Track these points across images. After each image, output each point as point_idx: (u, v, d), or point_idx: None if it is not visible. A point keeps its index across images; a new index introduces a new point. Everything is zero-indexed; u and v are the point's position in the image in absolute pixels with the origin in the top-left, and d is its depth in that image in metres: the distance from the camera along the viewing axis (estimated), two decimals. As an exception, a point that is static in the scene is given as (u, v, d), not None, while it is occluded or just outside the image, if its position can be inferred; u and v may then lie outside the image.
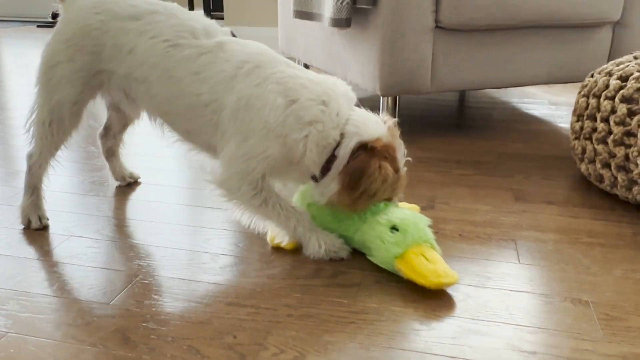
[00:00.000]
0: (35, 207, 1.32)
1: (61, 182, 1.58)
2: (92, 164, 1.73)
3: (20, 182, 1.56)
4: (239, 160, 1.13)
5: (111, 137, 1.52)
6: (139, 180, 1.60)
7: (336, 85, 1.16)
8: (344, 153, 1.12)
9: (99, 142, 1.53)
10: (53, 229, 1.30)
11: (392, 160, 1.14)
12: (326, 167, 1.14)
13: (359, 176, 1.10)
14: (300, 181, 1.25)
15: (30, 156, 1.31)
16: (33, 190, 1.32)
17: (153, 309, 1.00)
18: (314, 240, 1.16)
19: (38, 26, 5.57)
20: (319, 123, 1.11)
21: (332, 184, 1.14)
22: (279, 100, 1.11)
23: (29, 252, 1.19)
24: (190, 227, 1.32)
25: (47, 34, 5.06)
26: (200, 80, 1.15)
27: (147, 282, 1.08)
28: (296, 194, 1.28)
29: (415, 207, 1.32)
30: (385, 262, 1.09)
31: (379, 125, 1.15)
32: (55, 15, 5.93)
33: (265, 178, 1.15)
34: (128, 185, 1.56)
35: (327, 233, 1.18)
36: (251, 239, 1.25)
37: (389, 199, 1.19)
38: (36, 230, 1.29)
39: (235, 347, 0.90)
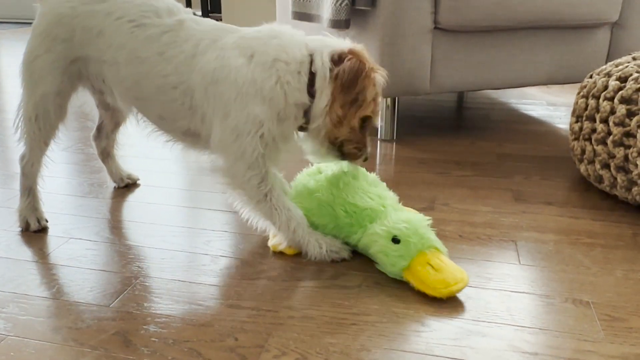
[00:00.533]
0: (32, 209, 1.31)
1: (60, 184, 1.58)
2: (90, 165, 1.72)
3: (18, 185, 1.56)
4: (229, 141, 1.10)
5: (104, 138, 1.51)
6: (138, 182, 1.59)
7: (278, 25, 1.15)
8: (321, 64, 1.09)
9: (93, 144, 1.53)
10: (52, 232, 1.29)
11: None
12: (311, 88, 1.10)
13: (355, 75, 1.08)
14: (295, 130, 1.17)
15: (22, 157, 1.32)
16: (29, 192, 1.32)
17: (153, 312, 0.99)
18: (314, 242, 1.15)
19: (35, 28, 5.54)
20: (281, 54, 1.09)
21: (322, 97, 1.10)
22: (240, 60, 1.09)
23: (28, 254, 1.19)
24: (190, 229, 1.32)
25: (45, 36, 5.04)
26: (165, 60, 1.14)
27: (147, 284, 1.08)
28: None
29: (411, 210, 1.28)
30: (395, 274, 1.08)
31: (343, 41, 1.14)
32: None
33: (264, 158, 1.11)
34: (126, 187, 1.56)
35: (325, 236, 1.17)
36: (251, 241, 1.25)
37: (369, 119, 1.15)
38: (35, 232, 1.29)
39: (237, 349, 0.89)
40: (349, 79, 1.07)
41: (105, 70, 1.21)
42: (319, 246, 1.14)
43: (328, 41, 1.13)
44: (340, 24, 1.87)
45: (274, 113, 1.09)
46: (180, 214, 1.40)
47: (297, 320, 0.97)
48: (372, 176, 1.24)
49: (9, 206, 1.42)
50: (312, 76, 1.10)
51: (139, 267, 1.14)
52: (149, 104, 1.20)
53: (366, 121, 1.15)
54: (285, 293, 1.05)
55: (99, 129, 1.50)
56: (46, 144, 1.31)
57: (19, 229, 1.30)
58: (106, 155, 1.53)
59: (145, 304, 1.01)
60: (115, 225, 1.33)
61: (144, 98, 1.19)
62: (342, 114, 1.10)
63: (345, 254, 1.16)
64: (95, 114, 1.48)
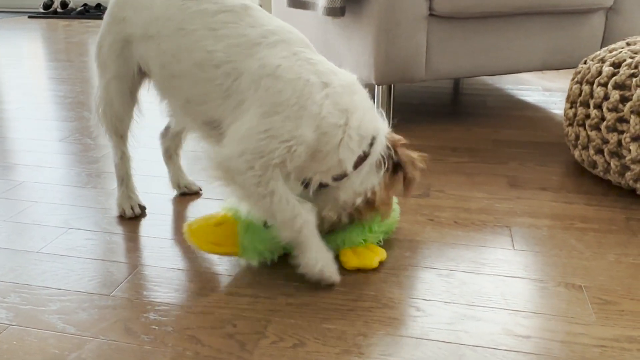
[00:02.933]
0: (127, 197, 1.33)
1: (58, 174, 1.58)
2: (88, 156, 1.73)
3: (16, 175, 1.57)
4: (257, 136, 0.98)
5: (170, 138, 1.43)
6: (200, 192, 1.46)
7: (358, 82, 1.09)
8: (379, 150, 1.05)
9: (159, 141, 1.45)
10: (51, 222, 1.30)
11: None
12: (358, 162, 1.05)
13: (411, 172, 1.10)
14: (314, 181, 1.06)
15: (112, 155, 1.33)
16: (121, 181, 1.34)
17: (153, 300, 1.01)
18: (313, 253, 1.03)
19: (29, 17, 5.52)
20: (356, 112, 1.02)
21: (369, 179, 1.06)
22: (313, 78, 0.99)
23: (29, 245, 1.20)
24: (189, 218, 1.33)
25: (39, 25, 5.03)
26: (216, 36, 1.05)
27: (146, 273, 1.09)
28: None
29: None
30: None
31: (386, 124, 1.12)
32: (47, 6, 5.82)
33: (279, 169, 0.99)
34: (183, 194, 1.45)
35: (327, 250, 1.06)
36: (249, 229, 1.26)
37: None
38: (130, 220, 1.31)
39: (236, 336, 0.91)
40: (414, 185, 1.11)
41: (148, 47, 1.14)
42: (315, 260, 1.03)
43: (385, 124, 1.10)
44: (335, 12, 1.86)
45: (315, 147, 1.01)
46: (180, 203, 1.41)
47: (294, 307, 0.99)
48: None
49: (8, 197, 1.43)
50: (364, 153, 1.05)
51: (138, 256, 1.16)
52: (182, 82, 1.11)
53: None
54: (283, 280, 1.07)
55: (167, 127, 1.43)
56: (118, 134, 1.29)
57: (19, 219, 1.31)
58: (169, 156, 1.44)
59: (145, 293, 1.03)
60: (114, 215, 1.34)
61: (179, 75, 1.11)
62: (388, 201, 1.12)
63: (335, 279, 1.05)
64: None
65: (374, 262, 1.11)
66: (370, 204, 1.09)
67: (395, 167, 1.10)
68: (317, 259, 1.03)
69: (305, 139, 0.98)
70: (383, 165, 1.07)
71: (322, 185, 1.08)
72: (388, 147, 1.07)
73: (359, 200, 1.08)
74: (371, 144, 1.06)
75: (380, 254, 1.13)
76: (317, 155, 1.02)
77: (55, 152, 1.76)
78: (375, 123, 1.07)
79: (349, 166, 1.03)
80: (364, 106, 1.05)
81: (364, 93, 1.08)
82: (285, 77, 0.99)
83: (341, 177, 1.06)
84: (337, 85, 1.02)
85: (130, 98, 1.26)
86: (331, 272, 1.04)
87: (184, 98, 1.13)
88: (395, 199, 1.20)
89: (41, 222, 1.30)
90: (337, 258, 1.09)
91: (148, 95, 1.28)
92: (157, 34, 1.12)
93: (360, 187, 1.07)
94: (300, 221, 1.01)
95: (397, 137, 1.11)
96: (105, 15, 1.23)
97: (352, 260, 1.10)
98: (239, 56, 1.03)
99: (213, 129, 1.11)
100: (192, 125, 1.17)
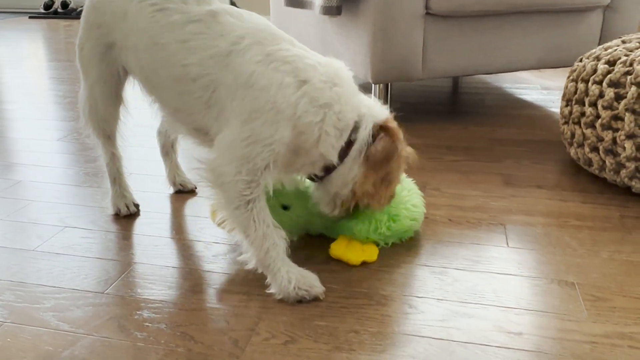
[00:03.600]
0: (121, 196, 1.34)
1: (55, 173, 1.59)
2: (85, 155, 1.73)
3: (14, 174, 1.58)
4: (241, 144, 1.00)
5: (165, 135, 1.44)
6: (196, 190, 1.47)
7: (342, 70, 1.07)
8: (363, 136, 1.04)
9: (156, 138, 1.46)
10: (47, 220, 1.31)
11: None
12: (344, 152, 1.05)
13: (386, 157, 1.05)
14: (304, 173, 1.11)
15: (101, 155, 1.33)
16: (114, 181, 1.35)
17: (147, 297, 1.01)
18: (284, 273, 1.01)
19: (30, 17, 5.53)
20: (335, 105, 1.01)
21: (354, 168, 1.05)
22: (287, 79, 1.00)
23: (25, 243, 1.21)
24: (184, 216, 1.34)
25: (39, 25, 5.04)
26: (188, 49, 1.05)
27: (140, 271, 1.10)
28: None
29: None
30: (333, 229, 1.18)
31: (383, 108, 1.11)
32: (47, 7, 5.82)
33: (266, 170, 1.01)
34: (178, 192, 1.47)
35: (299, 268, 1.03)
36: (244, 227, 1.27)
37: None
38: (125, 218, 1.32)
39: (228, 333, 0.92)
40: (380, 160, 1.05)
41: (129, 56, 1.15)
42: (287, 280, 1.00)
43: (374, 109, 1.08)
44: (331, 11, 1.87)
45: (297, 144, 1.02)
46: (174, 201, 1.41)
47: (286, 304, 0.99)
48: None
49: (6, 196, 1.44)
50: (349, 142, 1.05)
51: (133, 254, 1.16)
52: (166, 94, 1.13)
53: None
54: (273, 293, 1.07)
55: (162, 124, 1.44)
56: (106, 136, 1.29)
57: (15, 218, 1.32)
58: (165, 152, 1.46)
59: (139, 290, 1.03)
60: (110, 213, 1.34)
61: (161, 88, 1.13)
62: (373, 192, 1.08)
63: (317, 291, 1.01)
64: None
65: (357, 260, 1.11)
66: (354, 195, 1.08)
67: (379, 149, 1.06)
68: (290, 278, 1.00)
69: (284, 140, 1.00)
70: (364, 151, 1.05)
71: (317, 178, 1.10)
72: (373, 134, 1.05)
73: (346, 191, 1.08)
74: (355, 131, 1.04)
75: (370, 256, 1.12)
76: (299, 151, 1.03)
77: (53, 152, 1.76)
78: (358, 110, 1.05)
79: (333, 158, 1.04)
80: (344, 97, 1.03)
81: (348, 81, 1.06)
82: (259, 83, 1.00)
83: (331, 169, 1.07)
84: (317, 81, 1.01)
85: (115, 99, 1.26)
86: (309, 286, 1.01)
87: (172, 107, 1.14)
88: (422, 205, 1.21)
89: (38, 221, 1.31)
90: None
91: (141, 94, 1.28)
92: (134, 46, 1.12)
93: (348, 177, 1.06)
94: (269, 242, 1.01)
95: (385, 118, 1.08)
96: (82, 19, 1.22)
97: (338, 249, 1.13)
98: (213, 69, 1.04)
99: (204, 134, 1.12)
100: (184, 131, 1.17)
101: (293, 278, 1.00)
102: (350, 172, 1.06)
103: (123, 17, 1.13)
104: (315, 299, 1.00)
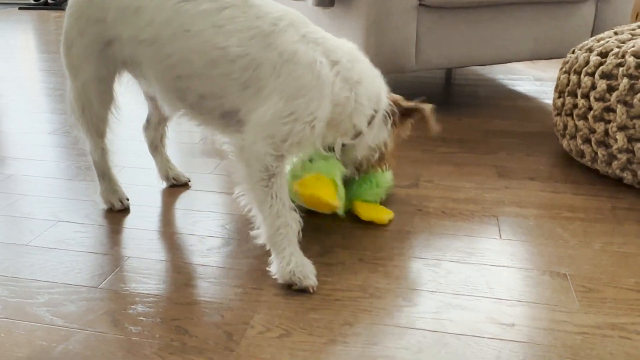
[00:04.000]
0: (112, 191, 1.34)
1: (48, 167, 1.58)
2: (77, 148, 1.73)
3: (6, 168, 1.57)
4: (280, 121, 1.03)
5: (152, 129, 1.43)
6: (189, 184, 1.48)
7: (357, 49, 1.17)
8: (383, 105, 1.18)
9: (143, 135, 1.45)
10: (40, 215, 1.30)
11: None
12: (369, 121, 1.16)
13: (409, 123, 1.25)
14: (333, 143, 1.17)
15: (89, 150, 1.31)
16: (103, 176, 1.34)
17: (141, 292, 1.01)
18: (287, 254, 1.04)
19: (20, 8, 5.48)
20: (363, 81, 1.12)
21: (380, 134, 1.20)
22: (322, 59, 1.06)
23: (18, 237, 1.20)
24: (177, 209, 1.33)
25: (30, 16, 4.99)
26: (225, 33, 1.06)
27: (134, 265, 1.10)
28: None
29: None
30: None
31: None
32: (38, -3, 5.75)
33: (298, 145, 1.06)
34: (172, 186, 1.46)
35: (302, 256, 1.06)
36: (238, 221, 1.27)
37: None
38: (119, 212, 1.32)
39: (223, 327, 0.92)
40: (408, 127, 1.26)
41: (142, 51, 1.13)
42: (287, 262, 1.03)
43: (383, 85, 1.22)
44: (324, 2, 1.86)
45: (332, 119, 1.10)
46: (168, 195, 1.41)
47: (281, 297, 0.99)
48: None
49: (-3, 190, 1.43)
50: (374, 112, 1.17)
51: (126, 248, 1.16)
52: (194, 81, 1.11)
53: None
54: (270, 271, 1.07)
55: (148, 120, 1.43)
56: (99, 134, 1.28)
57: (7, 212, 1.32)
58: (154, 148, 1.45)
59: (133, 285, 1.03)
60: (103, 207, 1.34)
61: (190, 75, 1.11)
62: (395, 152, 1.28)
63: (309, 283, 1.02)
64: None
65: (385, 217, 1.25)
66: (381, 156, 1.25)
67: (400, 118, 1.23)
68: (290, 261, 1.03)
69: (325, 116, 1.07)
70: (389, 119, 1.20)
71: (343, 146, 1.20)
72: (390, 104, 1.20)
73: (373, 154, 1.24)
74: (378, 102, 1.17)
75: (389, 214, 1.27)
76: (332, 123, 1.11)
77: (45, 145, 1.75)
78: (378, 84, 1.18)
79: (363, 127, 1.15)
80: (368, 73, 1.15)
81: (365, 59, 1.17)
82: (303, 61, 1.05)
83: (357, 135, 1.17)
84: (345, 60, 1.10)
85: (110, 97, 1.25)
86: (304, 275, 1.02)
87: (198, 94, 1.13)
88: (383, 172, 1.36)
89: (30, 215, 1.30)
90: (349, 214, 1.28)
91: (132, 87, 1.28)
92: (153, 39, 1.10)
93: (373, 142, 1.21)
94: (282, 221, 1.04)
95: (396, 95, 1.24)
96: (71, 14, 1.18)
97: (367, 212, 1.26)
98: (254, 48, 1.06)
99: (231, 119, 1.12)
100: (208, 121, 1.17)
101: (293, 262, 1.03)
102: (377, 138, 1.20)
103: (135, 11, 1.11)
104: (305, 290, 1.01)
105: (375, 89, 1.16)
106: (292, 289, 1.02)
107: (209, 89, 1.11)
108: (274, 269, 1.04)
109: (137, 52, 1.14)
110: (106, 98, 1.24)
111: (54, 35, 3.92)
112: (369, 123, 1.16)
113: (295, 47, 1.06)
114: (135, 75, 1.24)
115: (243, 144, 1.05)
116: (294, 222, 1.06)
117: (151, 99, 1.37)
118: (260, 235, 1.07)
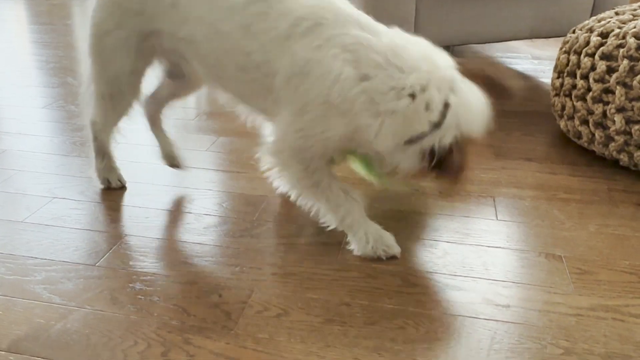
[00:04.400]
0: (110, 169, 1.31)
1: (42, 143, 1.57)
2: (72, 123, 1.71)
3: (1, 144, 1.55)
4: (293, 135, 0.99)
5: (156, 104, 1.35)
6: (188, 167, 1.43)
7: (436, 66, 0.95)
8: (432, 144, 0.95)
9: (142, 108, 1.35)
10: (35, 191, 1.29)
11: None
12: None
13: (458, 174, 1.02)
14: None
15: (93, 124, 1.26)
16: (103, 155, 1.30)
17: (139, 270, 1.01)
18: (362, 234, 1.05)
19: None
20: (398, 115, 0.92)
21: (409, 160, 0.98)
22: (347, 70, 0.92)
23: (13, 215, 1.20)
24: (174, 187, 1.33)
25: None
26: (251, 35, 0.98)
27: (132, 243, 1.10)
28: None
29: None
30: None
31: (482, 115, 1.00)
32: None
33: (321, 158, 1.02)
34: (173, 166, 1.39)
35: (378, 228, 1.06)
36: (235, 199, 1.27)
37: None
38: (115, 190, 1.31)
39: (221, 306, 0.92)
40: (454, 175, 1.05)
41: (184, 47, 1.09)
42: (365, 241, 1.05)
43: (469, 112, 1.01)
44: (323, -23, 1.83)
45: (350, 138, 0.99)
46: (165, 172, 1.40)
47: (279, 276, 1.00)
48: None
49: (-9, 166, 1.42)
50: (412, 140, 0.96)
51: (123, 226, 1.16)
52: (229, 83, 1.10)
53: None
54: (268, 250, 1.08)
55: (154, 93, 1.35)
56: (120, 119, 1.26)
57: (101, 186, 1.31)
58: (153, 122, 1.37)
59: (131, 263, 1.03)
60: (99, 184, 1.33)
61: (225, 77, 1.08)
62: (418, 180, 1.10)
63: (395, 250, 1.05)
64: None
65: (377, 181, 1.19)
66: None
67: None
68: (367, 238, 1.05)
69: (337, 134, 0.98)
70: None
71: None
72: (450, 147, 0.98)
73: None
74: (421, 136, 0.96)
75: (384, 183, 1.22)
76: (353, 140, 1.00)
77: (38, 120, 1.73)
78: (429, 119, 0.93)
79: (388, 149, 0.98)
80: (415, 109, 0.92)
81: (434, 85, 0.93)
82: (314, 73, 0.93)
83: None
84: (381, 82, 0.91)
85: (141, 86, 1.21)
86: (386, 246, 1.05)
87: (234, 93, 1.12)
88: None
89: (25, 191, 1.29)
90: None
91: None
92: (191, 38, 1.05)
93: (399, 162, 1.01)
94: (343, 210, 1.05)
95: (472, 140, 1.03)
96: (108, 5, 1.12)
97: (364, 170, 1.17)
98: (272, 54, 0.98)
99: (266, 115, 1.12)
100: (255, 112, 1.17)
101: (371, 239, 1.05)
102: (406, 162, 1.00)
103: (172, 5, 1.05)
104: (393, 258, 1.05)
105: (416, 126, 0.94)
106: (379, 258, 1.05)
107: (242, 91, 1.09)
108: (355, 249, 1.06)
109: (179, 47, 1.10)
110: (138, 88, 1.21)
111: (45, 6, 3.84)
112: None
113: (310, 55, 0.94)
114: (172, 62, 1.20)
115: (272, 151, 1.05)
116: (354, 204, 1.05)
117: (175, 78, 1.29)
118: (329, 223, 1.07)
